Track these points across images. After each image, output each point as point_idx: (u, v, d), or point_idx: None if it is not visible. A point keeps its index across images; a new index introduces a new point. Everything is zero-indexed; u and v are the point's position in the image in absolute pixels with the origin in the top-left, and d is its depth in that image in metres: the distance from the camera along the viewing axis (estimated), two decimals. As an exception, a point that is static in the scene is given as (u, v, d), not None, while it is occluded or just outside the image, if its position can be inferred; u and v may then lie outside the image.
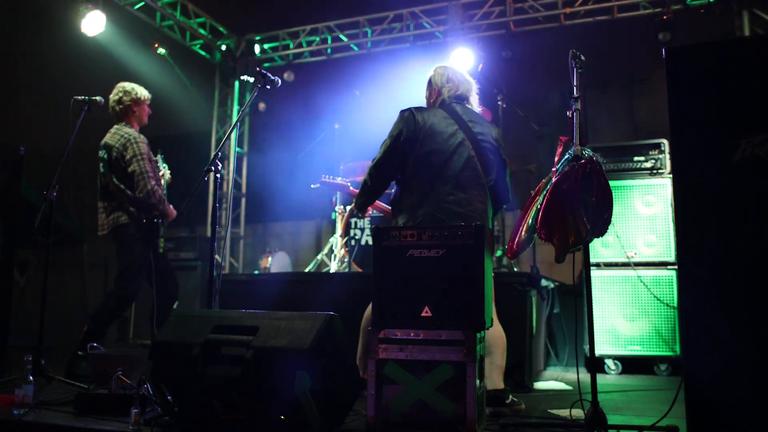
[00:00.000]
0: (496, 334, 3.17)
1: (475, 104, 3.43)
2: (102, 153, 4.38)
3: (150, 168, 4.31)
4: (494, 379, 3.10)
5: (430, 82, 3.45)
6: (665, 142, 4.90)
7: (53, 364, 3.81)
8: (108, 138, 4.41)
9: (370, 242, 5.28)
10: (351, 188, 4.44)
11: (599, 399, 2.38)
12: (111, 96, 4.50)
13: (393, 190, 3.37)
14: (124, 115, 4.48)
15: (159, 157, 4.65)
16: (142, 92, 4.56)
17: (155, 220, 4.28)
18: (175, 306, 4.51)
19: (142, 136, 4.41)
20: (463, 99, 3.37)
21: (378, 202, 4.00)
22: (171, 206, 4.46)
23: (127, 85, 4.53)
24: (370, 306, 3.31)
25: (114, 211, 4.31)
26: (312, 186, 4.79)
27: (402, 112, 3.26)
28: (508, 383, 3.47)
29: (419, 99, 3.54)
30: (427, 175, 3.14)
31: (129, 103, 4.49)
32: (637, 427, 2.58)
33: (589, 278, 2.56)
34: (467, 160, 3.16)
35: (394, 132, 3.23)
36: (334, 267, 5.98)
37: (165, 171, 4.68)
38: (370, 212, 4.26)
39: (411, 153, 3.17)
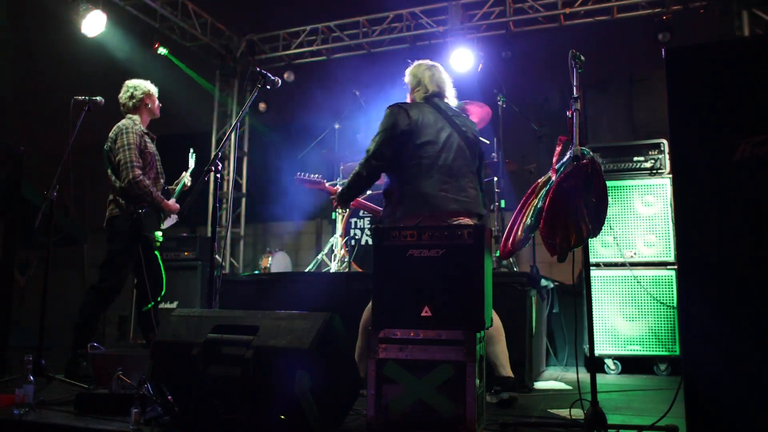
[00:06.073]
0: (496, 324, 3.33)
1: (451, 99, 3.61)
2: (105, 145, 4.37)
3: (136, 158, 4.21)
4: (508, 369, 3.33)
5: (414, 76, 3.59)
6: (665, 142, 4.90)
7: (53, 364, 3.81)
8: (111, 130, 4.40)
9: (370, 242, 5.28)
10: (326, 184, 4.34)
11: (599, 399, 2.38)
12: (121, 94, 4.49)
13: (382, 190, 3.47)
14: (136, 109, 4.46)
15: (191, 153, 4.67)
16: (151, 86, 4.59)
17: (140, 211, 4.18)
18: (162, 307, 4.41)
19: (137, 126, 4.32)
20: (441, 96, 3.56)
21: (367, 203, 4.00)
22: (173, 200, 4.41)
23: (135, 81, 4.55)
24: (369, 305, 3.32)
25: (110, 203, 4.28)
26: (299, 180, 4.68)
27: (391, 107, 3.40)
28: (509, 383, 3.49)
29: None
30: (421, 165, 3.29)
31: (141, 97, 4.48)
32: (636, 427, 2.58)
33: (588, 278, 2.56)
34: (457, 150, 3.37)
35: (387, 125, 3.35)
36: (334, 267, 5.98)
37: (191, 163, 4.66)
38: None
39: (407, 144, 3.32)
